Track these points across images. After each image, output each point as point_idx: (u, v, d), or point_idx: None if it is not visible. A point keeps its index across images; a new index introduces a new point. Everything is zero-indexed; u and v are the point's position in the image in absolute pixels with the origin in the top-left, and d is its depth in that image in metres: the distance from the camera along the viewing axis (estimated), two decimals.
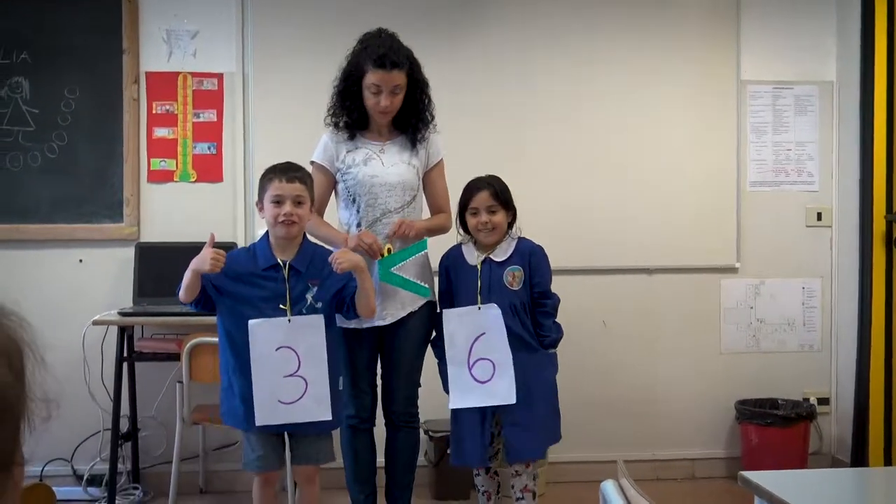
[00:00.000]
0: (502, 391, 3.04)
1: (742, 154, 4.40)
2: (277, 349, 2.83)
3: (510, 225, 3.23)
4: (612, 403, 4.33)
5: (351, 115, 3.16)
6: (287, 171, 2.89)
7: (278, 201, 2.85)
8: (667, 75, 4.34)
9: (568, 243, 4.19)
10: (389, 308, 3.11)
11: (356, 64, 3.11)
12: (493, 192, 3.17)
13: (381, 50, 3.04)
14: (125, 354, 3.84)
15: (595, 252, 4.29)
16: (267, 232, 2.98)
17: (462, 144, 3.96)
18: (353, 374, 3.14)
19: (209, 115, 4.18)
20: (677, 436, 4.38)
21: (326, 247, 3.06)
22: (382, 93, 3.05)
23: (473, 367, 3.08)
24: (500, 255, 3.17)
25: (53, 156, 4.11)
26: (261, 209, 2.95)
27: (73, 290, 4.11)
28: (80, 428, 4.06)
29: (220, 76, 4.19)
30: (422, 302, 3.17)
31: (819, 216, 4.44)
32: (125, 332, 3.84)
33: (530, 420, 3.10)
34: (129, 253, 4.05)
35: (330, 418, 2.87)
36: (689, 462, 4.37)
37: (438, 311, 3.25)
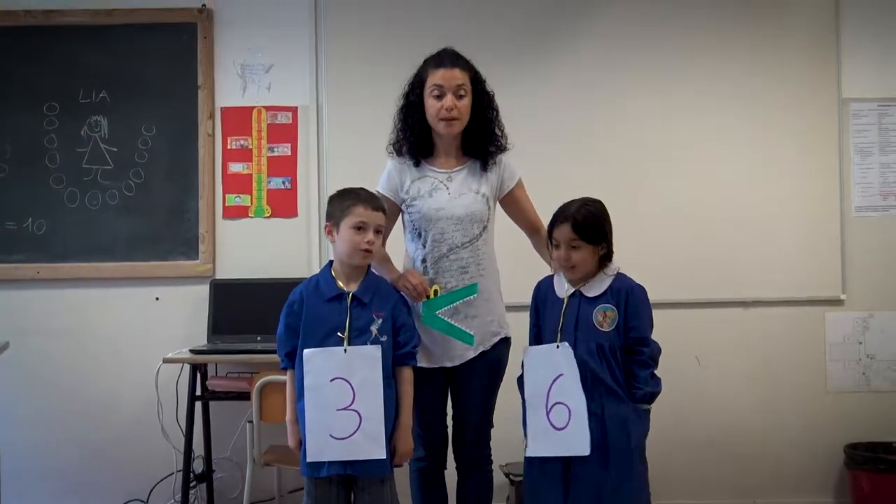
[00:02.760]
0: (576, 441, 2.70)
1: (845, 177, 4.13)
2: (332, 380, 2.68)
3: (606, 258, 2.84)
4: (707, 446, 4.06)
5: (414, 134, 2.96)
6: (372, 199, 2.79)
7: (362, 227, 2.73)
8: (762, 95, 4.12)
9: (658, 275, 3.93)
10: (458, 349, 2.92)
11: (417, 76, 2.97)
12: (575, 225, 2.78)
13: (440, 55, 2.94)
14: (198, 393, 3.77)
15: (687, 284, 4.06)
16: (329, 262, 2.84)
17: (548, 169, 3.81)
18: (420, 414, 2.94)
19: (283, 150, 4.13)
20: (780, 482, 4.08)
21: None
22: (446, 94, 2.87)
23: (551, 412, 2.77)
24: (592, 290, 2.81)
25: (131, 193, 4.11)
26: (329, 232, 2.80)
27: (149, 328, 4.10)
28: (156, 468, 4.03)
29: (294, 109, 4.14)
30: (495, 340, 2.97)
31: None
32: (198, 371, 3.77)
33: (599, 481, 2.70)
34: (204, 290, 4.01)
35: (383, 457, 2.68)
36: None
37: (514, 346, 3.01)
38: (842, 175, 4.12)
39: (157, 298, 4.13)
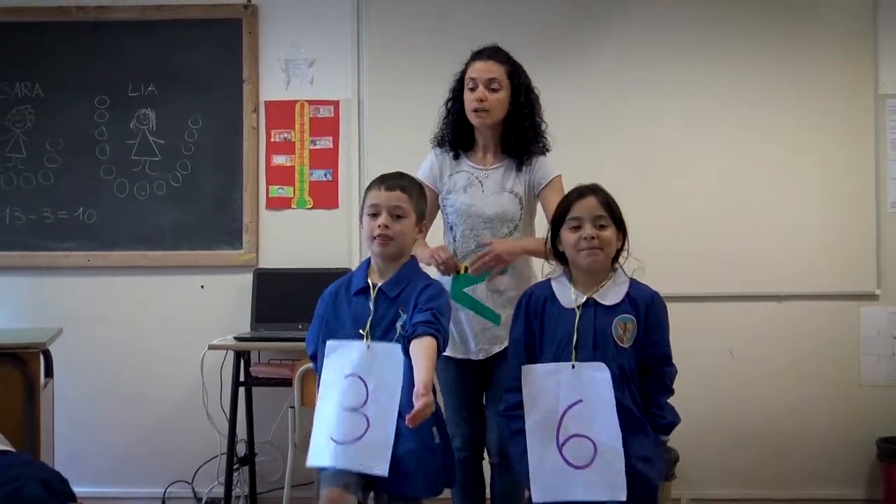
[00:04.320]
0: (606, 483, 2.27)
1: (881, 173, 4.13)
2: (347, 376, 2.38)
3: (617, 257, 2.49)
4: (740, 438, 4.10)
5: (454, 126, 2.99)
6: (388, 178, 2.50)
7: (374, 213, 2.45)
8: (798, 91, 4.12)
9: (692, 269, 4.02)
10: (481, 342, 2.90)
11: (462, 71, 3.00)
12: (604, 201, 2.45)
13: (480, 49, 2.97)
14: (242, 379, 3.89)
15: (720, 278, 4.09)
16: (369, 256, 2.62)
17: (578, 162, 3.85)
18: (456, 405, 2.98)
19: (325, 143, 4.23)
20: (813, 474, 4.11)
21: (428, 272, 2.69)
22: (479, 86, 2.88)
23: (565, 447, 2.32)
24: (608, 297, 2.42)
25: (177, 184, 4.23)
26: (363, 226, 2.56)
27: (194, 315, 4.21)
28: (201, 451, 4.14)
29: (336, 103, 4.23)
30: None
31: None
32: (241, 357, 3.88)
33: None
34: (248, 279, 4.12)
35: (385, 474, 2.29)
36: (826, 503, 4.08)
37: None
38: (878, 170, 4.12)
39: (203, 286, 4.25)
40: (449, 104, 3.04)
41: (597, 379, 2.32)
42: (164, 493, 4.18)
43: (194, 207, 4.23)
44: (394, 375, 2.35)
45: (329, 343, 2.45)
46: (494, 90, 2.89)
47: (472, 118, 2.93)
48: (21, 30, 4.23)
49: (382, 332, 2.42)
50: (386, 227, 2.42)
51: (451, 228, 2.99)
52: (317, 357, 2.52)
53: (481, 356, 2.93)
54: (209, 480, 4.15)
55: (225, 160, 4.23)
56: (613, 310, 2.41)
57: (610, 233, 2.43)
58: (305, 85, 4.25)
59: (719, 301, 4.11)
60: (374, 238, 2.45)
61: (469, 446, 3.01)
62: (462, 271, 2.85)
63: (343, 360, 2.40)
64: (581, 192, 2.47)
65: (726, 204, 4.12)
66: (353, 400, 2.36)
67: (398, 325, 2.41)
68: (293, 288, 4.05)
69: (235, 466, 3.94)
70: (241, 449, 4.03)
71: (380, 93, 4.19)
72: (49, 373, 3.67)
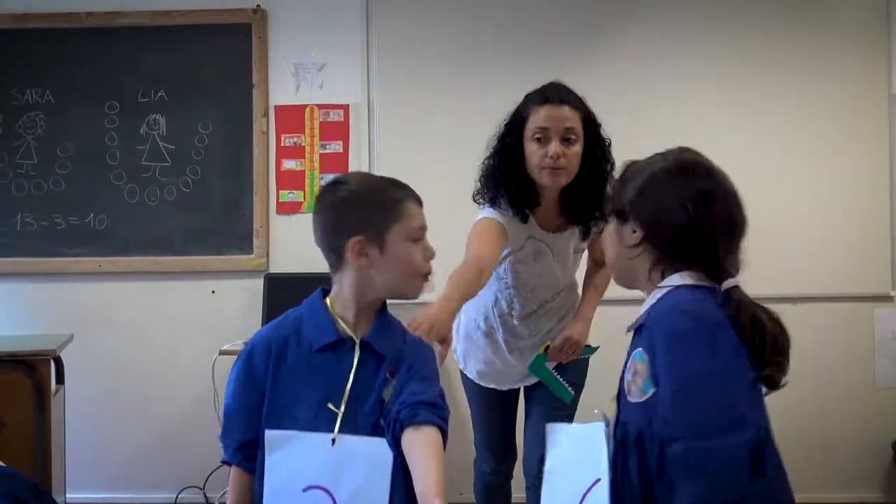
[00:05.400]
0: None
1: (895, 173, 4.10)
2: (305, 490, 1.67)
3: (663, 259, 1.64)
4: None
5: (514, 184, 2.45)
6: (411, 192, 1.83)
7: (420, 237, 1.78)
8: (810, 91, 4.10)
9: None
10: (527, 374, 2.75)
11: (516, 114, 2.49)
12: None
13: (544, 89, 2.47)
14: None
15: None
16: (321, 292, 1.86)
17: None
18: (485, 432, 2.85)
19: (335, 147, 4.22)
20: (827, 477, 4.07)
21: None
22: (551, 139, 2.37)
23: None
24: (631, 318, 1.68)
25: (188, 190, 4.23)
26: (362, 252, 1.74)
27: (205, 321, 4.21)
28: (212, 456, 4.07)
29: (345, 107, 4.22)
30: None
31: None
32: None
33: None
34: (259, 284, 4.11)
35: None
36: None
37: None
38: (892, 170, 4.10)
39: (214, 291, 4.24)
40: (501, 155, 2.50)
41: (603, 442, 1.57)
42: (176, 498, 4.19)
43: (204, 212, 4.22)
44: (377, 484, 1.66)
45: (269, 435, 1.70)
46: (570, 141, 2.41)
47: (543, 177, 2.43)
48: (31, 36, 4.23)
49: (370, 409, 1.71)
50: (434, 257, 1.83)
51: (508, 287, 2.66)
52: (253, 447, 1.75)
53: (527, 382, 2.79)
54: (221, 486, 4.13)
55: (235, 165, 4.23)
56: (634, 339, 1.63)
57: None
58: (315, 89, 4.24)
59: None
60: (423, 275, 1.80)
61: (497, 473, 2.90)
62: (543, 350, 2.66)
63: (297, 462, 1.68)
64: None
65: None
66: None
67: (386, 395, 1.70)
68: (304, 293, 3.93)
69: None
70: None
71: (389, 96, 4.17)
72: (60, 379, 3.67)
